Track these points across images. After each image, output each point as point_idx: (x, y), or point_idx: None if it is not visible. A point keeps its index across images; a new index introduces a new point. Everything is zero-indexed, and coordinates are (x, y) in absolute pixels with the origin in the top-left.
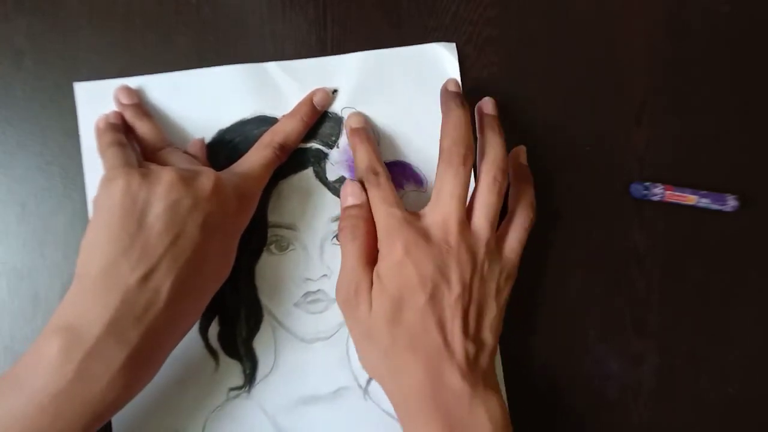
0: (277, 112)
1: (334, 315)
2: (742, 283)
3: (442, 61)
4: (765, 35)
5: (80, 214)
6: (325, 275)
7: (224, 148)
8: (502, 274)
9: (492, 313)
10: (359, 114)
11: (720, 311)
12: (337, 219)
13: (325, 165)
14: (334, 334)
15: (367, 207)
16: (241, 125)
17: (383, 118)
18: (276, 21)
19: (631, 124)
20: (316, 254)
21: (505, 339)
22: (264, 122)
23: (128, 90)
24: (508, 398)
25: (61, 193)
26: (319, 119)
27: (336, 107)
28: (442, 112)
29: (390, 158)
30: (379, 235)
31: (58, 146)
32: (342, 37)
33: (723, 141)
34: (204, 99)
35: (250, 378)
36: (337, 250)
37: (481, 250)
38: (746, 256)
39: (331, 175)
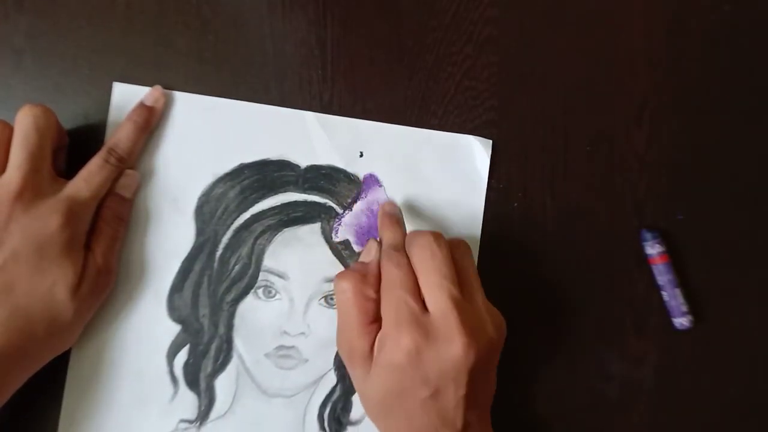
0: (301, 161)
1: (302, 375)
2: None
3: (473, 154)
4: (765, 35)
5: None
6: (303, 333)
7: (240, 183)
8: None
9: (492, 391)
10: (396, 205)
11: (721, 311)
12: (330, 280)
13: (333, 224)
14: (297, 394)
15: (375, 269)
16: (263, 164)
17: (400, 193)
18: (276, 21)
19: (631, 124)
20: (300, 310)
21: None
22: (285, 167)
23: (162, 93)
24: (503, 393)
25: None
26: (337, 178)
27: (358, 170)
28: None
29: None
30: (386, 317)
31: None
32: (342, 37)
33: (723, 141)
34: (234, 130)
35: (203, 415)
36: (323, 311)
37: None
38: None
39: (337, 236)
